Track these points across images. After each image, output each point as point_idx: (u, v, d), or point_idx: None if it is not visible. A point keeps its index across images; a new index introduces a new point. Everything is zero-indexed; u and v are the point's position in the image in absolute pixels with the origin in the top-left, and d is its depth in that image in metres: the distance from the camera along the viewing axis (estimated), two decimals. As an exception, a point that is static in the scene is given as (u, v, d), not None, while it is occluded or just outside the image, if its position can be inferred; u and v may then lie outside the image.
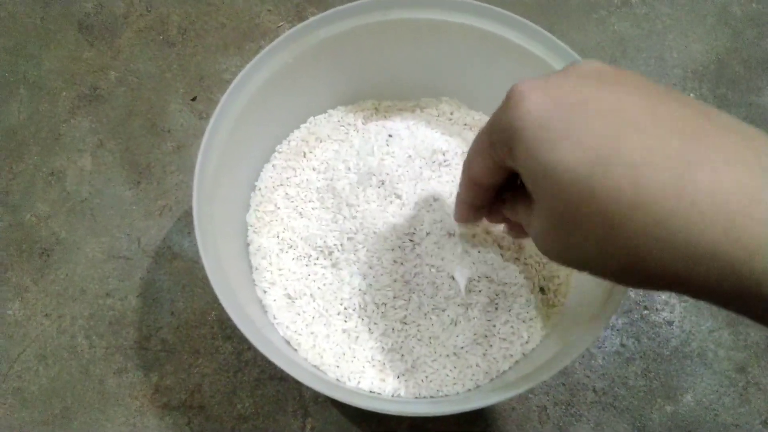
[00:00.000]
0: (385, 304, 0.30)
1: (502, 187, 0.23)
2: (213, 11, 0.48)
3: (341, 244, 0.31)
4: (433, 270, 0.29)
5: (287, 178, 0.35)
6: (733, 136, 0.15)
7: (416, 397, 0.29)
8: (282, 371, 0.24)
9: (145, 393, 0.36)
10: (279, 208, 0.34)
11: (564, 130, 0.16)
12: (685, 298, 0.38)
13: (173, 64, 0.46)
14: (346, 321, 0.30)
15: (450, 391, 0.29)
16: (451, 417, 0.35)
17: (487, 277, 0.30)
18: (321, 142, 0.36)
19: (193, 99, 0.45)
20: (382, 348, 0.29)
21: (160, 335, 0.37)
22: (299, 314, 0.31)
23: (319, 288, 0.31)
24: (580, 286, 0.31)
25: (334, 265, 0.32)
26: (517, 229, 0.26)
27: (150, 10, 0.48)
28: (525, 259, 0.31)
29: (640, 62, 0.46)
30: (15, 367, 0.37)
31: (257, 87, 0.31)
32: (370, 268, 0.30)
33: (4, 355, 0.37)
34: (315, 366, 0.30)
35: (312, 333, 0.30)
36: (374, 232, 0.31)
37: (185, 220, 0.40)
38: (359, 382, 0.29)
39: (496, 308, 0.30)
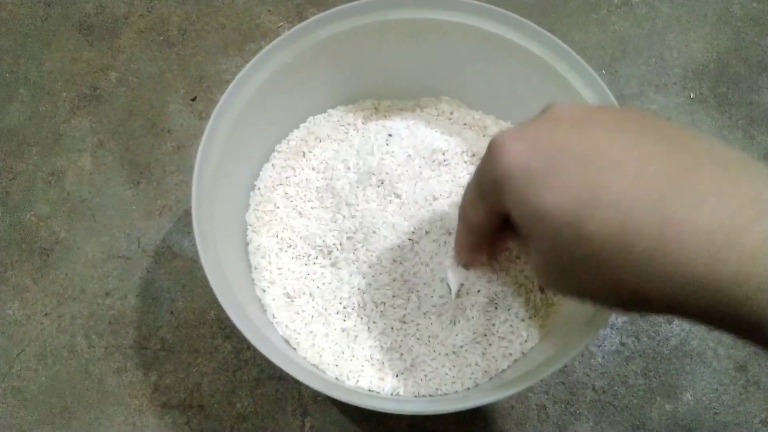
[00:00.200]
0: (384, 303, 0.30)
1: (500, 227, 0.23)
2: (213, 12, 0.48)
3: (340, 244, 0.31)
4: (432, 269, 0.29)
5: (287, 178, 0.35)
6: (715, 166, 0.16)
7: (415, 396, 0.29)
8: (281, 370, 0.24)
9: (144, 392, 0.36)
10: (278, 207, 0.34)
11: (547, 177, 0.17)
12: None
13: (173, 64, 0.46)
14: (345, 320, 0.30)
15: (449, 389, 0.29)
16: (450, 416, 0.35)
17: (486, 277, 0.30)
18: (320, 141, 0.36)
19: (193, 99, 0.45)
20: (381, 347, 0.29)
21: (160, 334, 0.37)
22: (298, 313, 0.31)
23: (318, 287, 0.31)
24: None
25: (333, 265, 0.32)
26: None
27: (150, 11, 0.48)
28: (525, 258, 0.31)
29: (641, 62, 0.46)
30: (15, 366, 0.37)
31: (257, 87, 0.31)
32: (369, 267, 0.30)
33: (4, 354, 0.37)
34: (314, 365, 0.30)
35: (311, 332, 0.30)
36: (373, 232, 0.31)
37: (185, 220, 0.40)
38: (358, 381, 0.29)
39: (496, 307, 0.30)
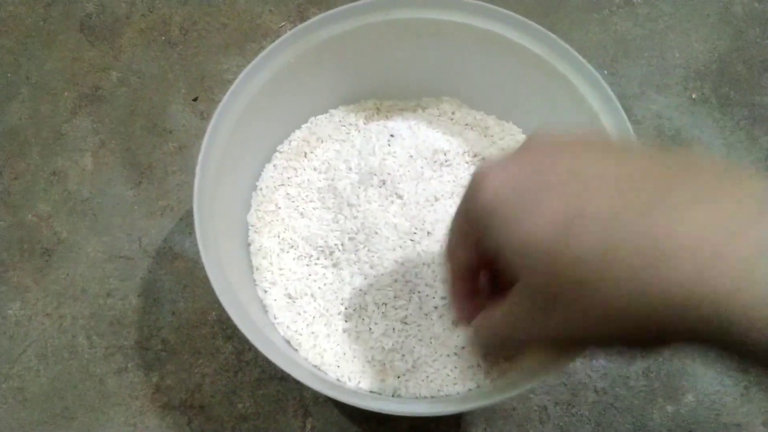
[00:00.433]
0: (386, 304, 0.30)
1: (487, 268, 0.23)
2: (215, 12, 0.48)
3: (342, 244, 0.31)
4: (434, 270, 0.29)
5: (288, 178, 0.35)
6: (698, 176, 0.15)
7: (417, 397, 0.29)
8: (282, 371, 0.24)
9: (145, 393, 0.36)
10: (280, 207, 0.34)
11: (528, 204, 0.17)
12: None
13: (175, 64, 0.46)
14: (346, 321, 0.30)
15: (450, 390, 0.29)
16: (452, 417, 0.35)
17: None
18: (322, 142, 0.36)
19: (195, 99, 0.45)
20: (383, 348, 0.29)
21: (161, 335, 0.37)
22: (300, 314, 0.31)
23: (319, 288, 0.31)
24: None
25: (334, 265, 0.32)
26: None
27: (152, 11, 0.48)
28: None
29: (642, 62, 0.46)
30: (16, 366, 0.37)
31: (258, 87, 0.31)
32: (371, 267, 0.30)
33: (5, 354, 0.37)
34: (315, 366, 0.30)
35: (312, 333, 0.30)
36: (375, 232, 0.31)
37: (187, 221, 0.40)
38: (360, 382, 0.29)
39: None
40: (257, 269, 0.32)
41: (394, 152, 0.33)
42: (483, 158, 0.34)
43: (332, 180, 0.33)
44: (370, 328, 0.30)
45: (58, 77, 0.46)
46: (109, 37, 0.47)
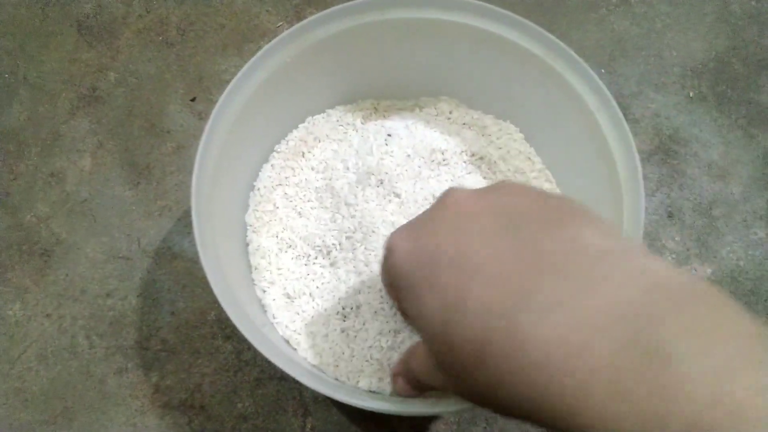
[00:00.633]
0: (384, 303, 0.30)
1: None
2: (212, 12, 0.48)
3: (340, 244, 0.31)
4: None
5: (286, 178, 0.35)
6: (568, 270, 0.15)
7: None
8: (282, 371, 0.24)
9: (145, 393, 0.36)
10: (278, 207, 0.34)
11: (423, 281, 0.18)
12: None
13: (172, 64, 0.46)
14: (344, 320, 0.30)
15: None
16: (452, 416, 0.35)
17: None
18: (320, 141, 0.36)
19: (193, 99, 0.45)
20: (381, 347, 0.29)
21: (161, 335, 0.37)
22: (298, 313, 0.31)
23: (317, 287, 0.31)
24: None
25: (332, 265, 0.32)
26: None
27: (149, 11, 0.48)
28: None
29: (640, 61, 0.46)
30: (16, 367, 0.37)
31: (256, 87, 0.31)
32: (368, 266, 0.30)
33: (5, 355, 0.37)
34: (314, 365, 0.30)
35: (311, 332, 0.30)
36: (373, 231, 0.31)
37: (185, 221, 0.40)
38: (358, 382, 0.29)
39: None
40: (255, 269, 0.32)
41: (392, 152, 0.33)
42: (480, 158, 0.35)
43: (330, 180, 0.34)
44: (368, 328, 0.30)
45: (56, 78, 0.46)
46: (107, 37, 0.47)
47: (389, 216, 0.31)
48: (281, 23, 0.47)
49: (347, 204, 0.32)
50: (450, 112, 0.37)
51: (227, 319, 0.25)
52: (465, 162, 0.34)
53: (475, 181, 0.33)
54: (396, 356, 0.29)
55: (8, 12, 0.49)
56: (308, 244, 0.32)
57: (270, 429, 0.35)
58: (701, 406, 0.12)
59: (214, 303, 0.38)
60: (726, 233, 0.40)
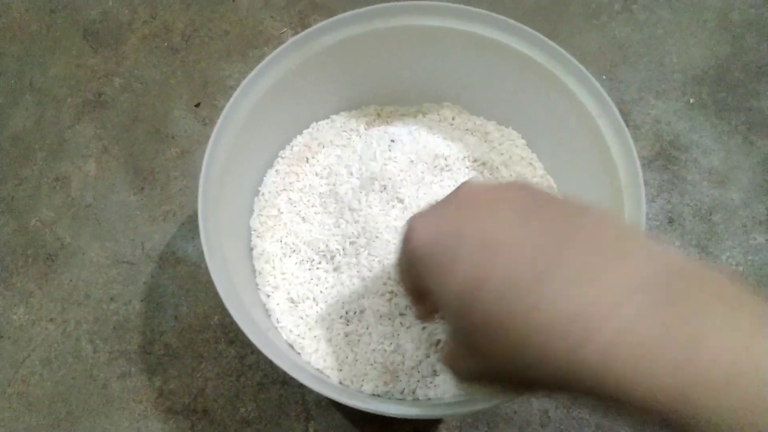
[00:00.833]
0: (387, 308, 0.30)
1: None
2: (217, 18, 0.48)
3: (343, 249, 0.32)
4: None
5: (290, 183, 0.35)
6: (589, 246, 0.16)
7: (418, 400, 0.29)
8: (285, 375, 0.25)
9: (148, 397, 0.36)
10: (282, 212, 0.34)
11: (448, 260, 0.18)
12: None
13: (177, 70, 0.46)
14: (348, 324, 0.31)
15: (452, 393, 0.29)
16: (454, 420, 0.35)
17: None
18: (324, 147, 0.36)
19: (197, 105, 0.45)
20: (384, 350, 0.29)
21: (164, 339, 0.37)
22: (302, 318, 0.31)
23: (321, 292, 0.32)
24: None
25: (336, 269, 0.32)
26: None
27: (154, 18, 0.49)
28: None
29: (641, 67, 0.46)
30: (20, 371, 0.37)
31: (261, 94, 0.32)
32: (372, 271, 0.30)
33: (10, 359, 0.38)
34: (318, 369, 0.30)
35: (315, 336, 0.31)
36: (376, 236, 0.31)
37: (189, 225, 0.41)
38: (362, 385, 0.29)
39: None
40: (260, 273, 0.33)
41: (395, 157, 0.33)
42: (483, 163, 0.35)
43: (334, 185, 0.34)
44: (371, 332, 0.30)
45: (62, 83, 0.46)
46: (113, 43, 0.48)
47: (392, 221, 0.31)
48: (285, 30, 0.48)
49: (351, 209, 0.32)
50: (453, 118, 0.37)
51: (231, 323, 0.26)
52: (467, 167, 0.34)
53: (477, 186, 0.33)
54: (399, 359, 0.29)
55: (15, 18, 0.49)
56: (312, 249, 0.33)
57: (273, 433, 0.35)
58: (726, 362, 0.13)
59: (218, 307, 0.38)
60: (726, 238, 0.40)
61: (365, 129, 0.37)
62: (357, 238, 0.31)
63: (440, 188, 0.32)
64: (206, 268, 0.27)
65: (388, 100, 0.38)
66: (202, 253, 0.27)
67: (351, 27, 0.33)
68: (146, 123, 0.44)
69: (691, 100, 0.45)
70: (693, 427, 0.14)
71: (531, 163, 0.36)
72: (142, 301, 0.39)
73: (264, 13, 0.48)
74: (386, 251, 0.30)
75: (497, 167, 0.35)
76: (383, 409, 0.25)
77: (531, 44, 0.32)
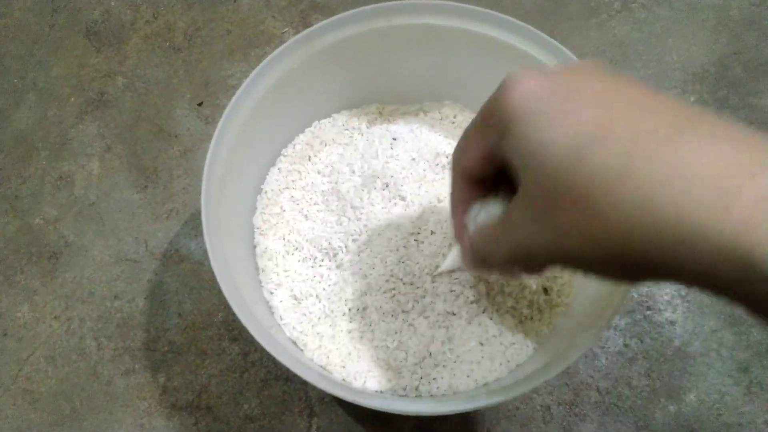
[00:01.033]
0: (389, 305, 0.30)
1: (492, 181, 0.22)
2: (219, 18, 0.49)
3: (346, 246, 0.32)
4: (437, 267, 0.30)
5: (293, 181, 0.35)
6: (722, 121, 0.15)
7: (421, 397, 0.29)
8: (288, 372, 0.25)
9: (152, 394, 0.36)
10: (285, 210, 0.34)
11: (558, 111, 0.17)
12: (689, 298, 0.38)
13: (179, 69, 0.47)
14: (351, 321, 0.31)
15: (455, 390, 0.29)
16: (456, 416, 0.35)
17: (488, 277, 0.30)
18: (326, 145, 0.36)
19: (200, 104, 0.45)
20: (387, 347, 0.30)
21: (168, 337, 0.38)
22: (305, 315, 0.31)
23: (324, 289, 0.32)
24: (583, 286, 0.32)
25: (338, 267, 0.32)
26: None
27: (156, 17, 0.49)
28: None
29: (640, 66, 0.46)
30: (24, 368, 0.38)
31: (263, 92, 0.32)
32: (374, 268, 0.31)
33: (14, 356, 0.38)
34: (321, 366, 0.30)
35: (318, 333, 0.31)
36: (378, 234, 0.31)
37: (192, 223, 0.41)
38: (365, 382, 0.29)
39: (497, 310, 0.31)
40: (263, 271, 0.33)
41: (397, 155, 0.33)
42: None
43: (336, 183, 0.34)
44: (374, 329, 0.30)
45: (65, 83, 0.46)
46: (115, 43, 0.48)
47: (394, 219, 0.31)
48: (287, 29, 0.48)
49: (353, 207, 0.32)
50: (454, 116, 0.38)
51: (234, 320, 0.26)
52: (469, 165, 0.34)
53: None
54: (402, 356, 0.30)
55: (17, 18, 0.49)
56: (315, 247, 0.33)
57: (276, 430, 0.35)
58: None
59: (221, 305, 0.38)
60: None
61: (367, 127, 0.37)
62: (359, 235, 0.32)
63: (442, 186, 0.33)
64: (209, 265, 0.27)
65: (389, 98, 0.38)
66: (205, 250, 0.27)
67: (352, 26, 0.33)
68: (149, 122, 0.45)
69: (692, 98, 0.45)
70: None
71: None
72: (145, 298, 0.39)
73: (265, 12, 0.49)
74: (388, 249, 0.31)
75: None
76: (386, 405, 0.25)
77: (532, 42, 0.32)
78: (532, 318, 0.31)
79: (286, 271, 0.33)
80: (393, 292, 0.30)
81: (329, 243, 0.32)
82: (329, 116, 0.38)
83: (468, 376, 0.29)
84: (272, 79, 0.32)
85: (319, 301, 0.32)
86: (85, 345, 0.38)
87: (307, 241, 0.33)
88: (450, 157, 0.34)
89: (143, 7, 0.49)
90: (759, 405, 0.35)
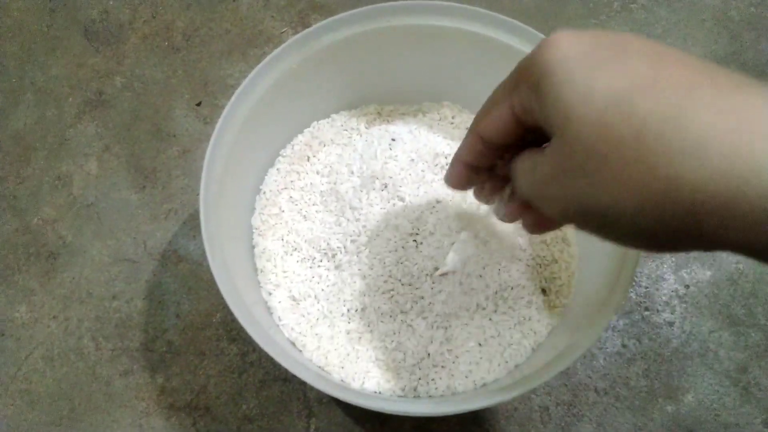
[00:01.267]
0: (388, 305, 0.30)
1: (506, 149, 0.22)
2: (217, 18, 0.48)
3: (344, 247, 0.32)
4: (435, 267, 0.30)
5: (291, 182, 0.35)
6: None
7: (420, 397, 0.29)
8: (286, 372, 0.25)
9: (151, 394, 0.36)
10: (283, 211, 0.34)
11: (604, 61, 0.16)
12: (687, 299, 0.38)
13: (178, 69, 0.46)
14: (349, 322, 0.31)
15: (453, 391, 0.29)
16: (454, 417, 0.35)
17: (489, 279, 0.30)
18: (324, 146, 0.36)
19: (198, 104, 0.45)
20: (386, 348, 0.30)
21: (166, 337, 0.38)
22: (304, 316, 0.31)
23: (323, 290, 0.32)
24: (581, 287, 0.32)
25: (337, 267, 0.32)
26: (534, 222, 0.24)
27: (155, 17, 0.49)
28: (527, 260, 0.32)
29: (640, 66, 0.46)
30: (23, 368, 0.37)
31: (262, 93, 0.32)
32: (373, 269, 0.31)
33: (12, 357, 0.38)
34: (320, 367, 0.30)
35: (316, 334, 0.31)
36: (377, 235, 0.31)
37: (190, 224, 0.41)
38: (364, 383, 0.29)
39: (495, 311, 0.31)
40: (261, 271, 0.33)
41: (396, 156, 0.33)
42: None
43: (335, 183, 0.34)
44: (373, 329, 0.30)
45: (63, 83, 0.46)
46: (113, 42, 0.48)
47: (393, 219, 0.31)
48: (285, 29, 0.48)
49: (352, 207, 0.32)
50: (453, 117, 0.38)
51: (233, 321, 0.26)
52: (468, 166, 0.34)
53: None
54: (401, 357, 0.30)
55: (15, 17, 0.49)
56: (313, 247, 0.33)
57: (274, 430, 0.35)
58: None
59: (220, 305, 0.38)
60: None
61: (366, 128, 0.37)
62: (358, 236, 0.32)
63: (441, 186, 0.33)
64: (208, 266, 0.27)
65: (388, 99, 0.38)
66: (203, 251, 0.27)
67: (351, 26, 0.33)
68: (147, 122, 0.45)
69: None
70: None
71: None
72: (144, 299, 0.39)
73: (264, 12, 0.49)
74: (387, 249, 0.31)
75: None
76: (384, 406, 0.25)
77: (531, 42, 0.32)
78: (530, 319, 0.31)
79: (284, 271, 0.33)
80: (392, 292, 0.30)
81: (328, 244, 0.32)
82: (328, 117, 0.38)
83: (466, 377, 0.30)
84: (271, 80, 0.32)
85: (318, 302, 0.32)
86: (83, 345, 0.38)
87: (305, 241, 0.33)
88: (447, 157, 0.34)
89: (141, 6, 0.49)
90: (757, 406, 0.35)
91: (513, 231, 0.32)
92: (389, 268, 0.30)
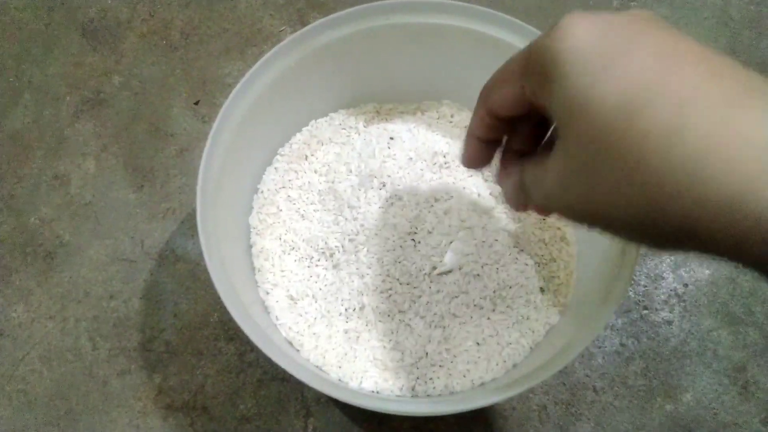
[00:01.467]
0: (386, 305, 0.30)
1: (516, 123, 0.22)
2: (215, 16, 0.48)
3: (342, 246, 0.32)
4: (434, 267, 0.30)
5: (289, 181, 0.35)
6: None
7: (418, 397, 0.29)
8: (284, 372, 0.25)
9: (148, 394, 0.36)
10: (281, 210, 0.34)
11: (611, 60, 0.16)
12: (685, 297, 0.38)
13: (176, 68, 0.46)
14: (347, 321, 0.31)
15: (451, 390, 0.29)
16: (453, 416, 0.35)
17: (487, 278, 0.30)
18: (323, 145, 0.36)
19: (196, 103, 0.45)
20: (384, 347, 0.30)
21: (164, 337, 0.38)
22: (301, 315, 0.31)
23: (320, 289, 0.32)
24: (580, 286, 0.32)
25: (335, 267, 0.32)
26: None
27: (153, 15, 0.49)
28: (525, 260, 0.32)
29: (639, 65, 0.46)
30: (19, 368, 0.37)
31: (260, 91, 0.32)
32: (371, 268, 0.30)
33: (9, 356, 0.38)
34: (317, 366, 0.30)
35: (314, 334, 0.31)
36: (375, 234, 0.31)
37: (188, 223, 0.41)
38: (361, 382, 0.29)
39: (494, 310, 0.31)
40: (259, 271, 0.33)
41: (394, 155, 0.33)
42: None
43: (333, 182, 0.34)
44: (371, 329, 0.30)
45: (61, 82, 0.46)
46: (111, 41, 0.48)
47: (391, 218, 0.31)
48: (284, 27, 0.48)
49: (350, 207, 0.32)
50: (451, 116, 0.37)
51: (230, 320, 0.26)
52: (466, 165, 0.34)
53: (476, 183, 0.33)
54: (399, 356, 0.29)
55: (13, 16, 0.49)
56: (311, 246, 0.33)
57: (272, 430, 0.35)
58: None
59: (217, 305, 0.38)
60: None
61: (364, 126, 0.37)
62: (356, 235, 0.31)
63: (439, 185, 0.32)
64: (205, 265, 0.27)
65: (387, 97, 0.38)
66: (201, 250, 0.27)
67: (349, 25, 0.33)
68: (145, 121, 0.44)
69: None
70: None
71: (529, 161, 0.36)
72: (141, 298, 0.39)
73: (263, 11, 0.48)
74: (385, 248, 0.31)
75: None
76: (382, 406, 0.25)
77: (530, 41, 0.32)
78: (528, 318, 0.31)
79: (282, 271, 0.33)
80: (390, 292, 0.30)
81: (326, 243, 0.32)
82: (326, 115, 0.38)
83: (464, 376, 0.29)
84: (269, 78, 0.32)
85: (316, 302, 0.31)
86: (80, 345, 0.38)
87: (303, 240, 0.33)
88: (446, 156, 0.34)
89: (139, 5, 0.49)
90: (755, 404, 0.35)
91: (512, 230, 0.32)
92: (387, 267, 0.30)
